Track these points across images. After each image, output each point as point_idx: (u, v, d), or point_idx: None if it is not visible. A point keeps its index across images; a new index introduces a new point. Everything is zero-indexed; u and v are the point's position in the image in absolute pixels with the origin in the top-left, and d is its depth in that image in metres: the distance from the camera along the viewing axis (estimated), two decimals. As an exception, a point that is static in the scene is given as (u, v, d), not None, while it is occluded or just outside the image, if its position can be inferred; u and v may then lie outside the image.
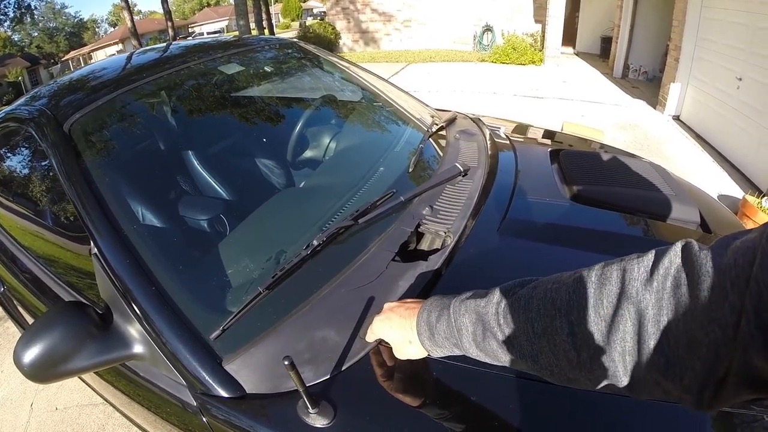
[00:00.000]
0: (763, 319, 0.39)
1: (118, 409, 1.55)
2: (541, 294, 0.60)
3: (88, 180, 1.22)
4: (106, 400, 1.68)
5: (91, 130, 1.41)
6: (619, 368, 0.52)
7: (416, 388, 0.89)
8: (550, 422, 0.83)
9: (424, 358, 0.84)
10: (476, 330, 0.67)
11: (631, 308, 0.50)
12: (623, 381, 0.53)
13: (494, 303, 0.66)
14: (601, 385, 0.55)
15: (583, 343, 0.54)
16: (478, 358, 0.71)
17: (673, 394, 0.49)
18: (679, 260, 0.49)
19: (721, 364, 0.43)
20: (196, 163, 1.70)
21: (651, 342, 0.48)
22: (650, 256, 0.52)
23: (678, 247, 0.50)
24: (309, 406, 0.80)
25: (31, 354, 0.92)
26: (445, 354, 0.76)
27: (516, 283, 0.66)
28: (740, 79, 4.58)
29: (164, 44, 2.27)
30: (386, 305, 0.88)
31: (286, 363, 0.70)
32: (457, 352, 0.74)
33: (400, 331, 0.81)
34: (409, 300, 0.87)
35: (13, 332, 3.17)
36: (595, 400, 0.83)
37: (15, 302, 1.87)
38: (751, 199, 3.37)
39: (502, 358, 0.66)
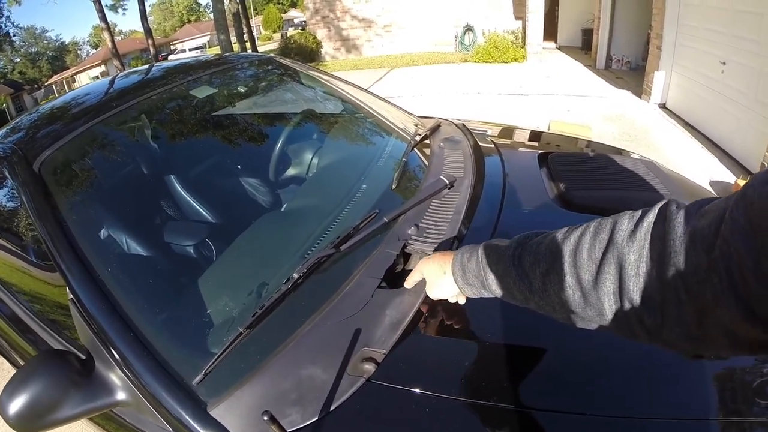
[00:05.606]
0: (734, 279, 0.44)
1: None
2: (550, 239, 0.70)
3: (59, 222, 1.17)
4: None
5: (61, 167, 1.36)
6: (605, 306, 0.60)
7: (406, 428, 0.85)
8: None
9: (414, 396, 0.85)
10: (498, 269, 0.79)
11: (615, 253, 0.58)
12: (608, 317, 0.60)
13: (513, 247, 0.77)
14: (594, 322, 0.64)
15: (578, 281, 0.63)
16: (500, 297, 0.81)
17: (655, 334, 0.56)
18: (658, 216, 0.57)
19: (688, 307, 0.50)
20: (172, 193, 1.65)
21: (630, 283, 0.56)
22: (639, 212, 0.60)
23: (659, 205, 0.58)
24: (297, 453, 0.76)
25: (15, 406, 0.89)
26: (474, 294, 0.88)
27: (533, 233, 0.77)
28: (724, 63, 4.57)
29: (146, 66, 2.22)
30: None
31: (265, 418, 0.66)
32: (485, 294, 0.85)
33: (438, 264, 0.95)
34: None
35: (8, 368, 3.11)
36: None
37: (3, 342, 1.83)
38: (743, 183, 3.33)
39: (518, 295, 0.75)
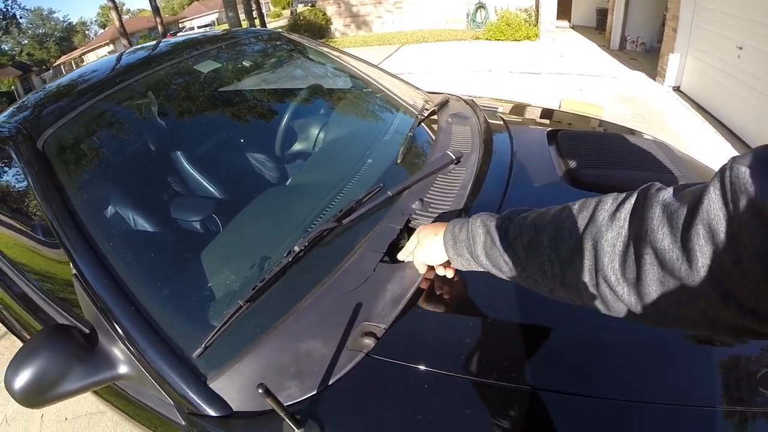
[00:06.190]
0: (721, 260, 0.45)
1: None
2: (536, 215, 0.73)
3: (63, 199, 1.17)
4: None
5: (65, 145, 1.35)
6: (581, 281, 0.62)
7: (405, 403, 0.84)
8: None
9: (413, 372, 0.85)
10: (486, 239, 0.81)
11: (594, 230, 0.60)
12: (585, 293, 0.62)
13: (501, 219, 0.80)
14: (574, 297, 0.65)
15: (557, 256, 0.65)
16: (486, 269, 0.83)
17: (632, 311, 0.57)
18: (638, 197, 0.58)
19: (664, 284, 0.51)
20: (177, 169, 1.63)
21: (605, 260, 0.58)
22: (623, 194, 0.61)
23: (642, 187, 0.59)
24: (293, 427, 0.75)
25: (21, 380, 0.91)
26: (463, 265, 0.90)
27: (522, 209, 0.79)
28: (741, 48, 4.45)
29: (154, 42, 2.20)
30: None
31: (260, 391, 0.65)
32: (473, 265, 0.87)
33: (433, 228, 0.98)
34: None
35: (19, 346, 3.15)
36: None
37: (12, 319, 1.85)
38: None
39: (503, 267, 0.78)
